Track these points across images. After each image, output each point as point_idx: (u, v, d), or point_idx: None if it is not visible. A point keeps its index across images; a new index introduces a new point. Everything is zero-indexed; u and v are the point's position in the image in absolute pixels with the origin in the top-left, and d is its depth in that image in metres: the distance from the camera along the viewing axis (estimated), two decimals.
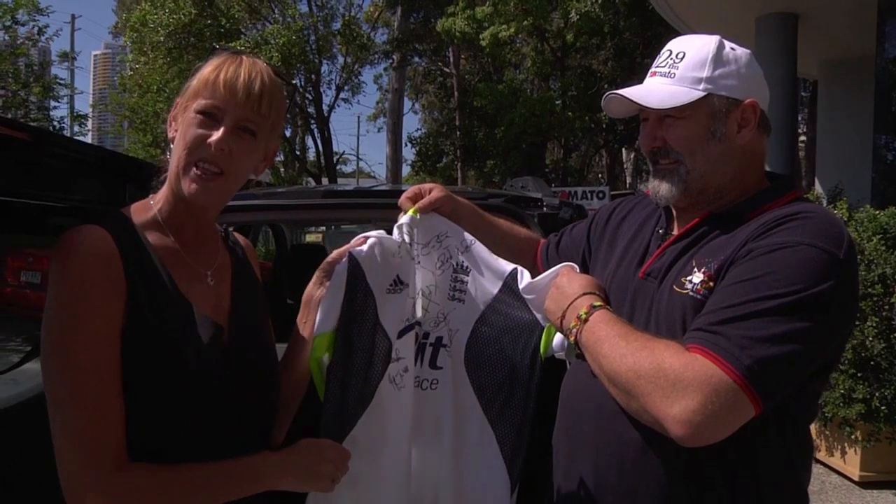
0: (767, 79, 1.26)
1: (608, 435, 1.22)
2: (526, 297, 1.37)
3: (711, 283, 1.12)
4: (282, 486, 1.13)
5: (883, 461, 4.33)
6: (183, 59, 16.03)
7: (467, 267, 1.41)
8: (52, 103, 16.47)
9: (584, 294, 1.22)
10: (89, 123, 17.62)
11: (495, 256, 1.42)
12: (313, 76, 18.57)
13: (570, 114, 15.79)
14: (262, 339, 1.26)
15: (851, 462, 4.43)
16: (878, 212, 4.28)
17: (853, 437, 4.33)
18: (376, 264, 1.31)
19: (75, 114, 17.78)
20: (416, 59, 20.75)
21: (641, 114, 1.28)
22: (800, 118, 15.16)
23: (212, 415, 1.10)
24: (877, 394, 4.10)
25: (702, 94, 1.18)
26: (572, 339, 1.20)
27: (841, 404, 4.21)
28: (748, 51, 1.25)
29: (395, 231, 1.38)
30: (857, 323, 4.10)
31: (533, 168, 17.41)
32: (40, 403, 1.69)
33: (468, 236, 1.42)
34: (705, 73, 1.19)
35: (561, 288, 1.27)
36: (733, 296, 1.05)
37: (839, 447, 4.54)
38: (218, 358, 1.13)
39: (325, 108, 19.41)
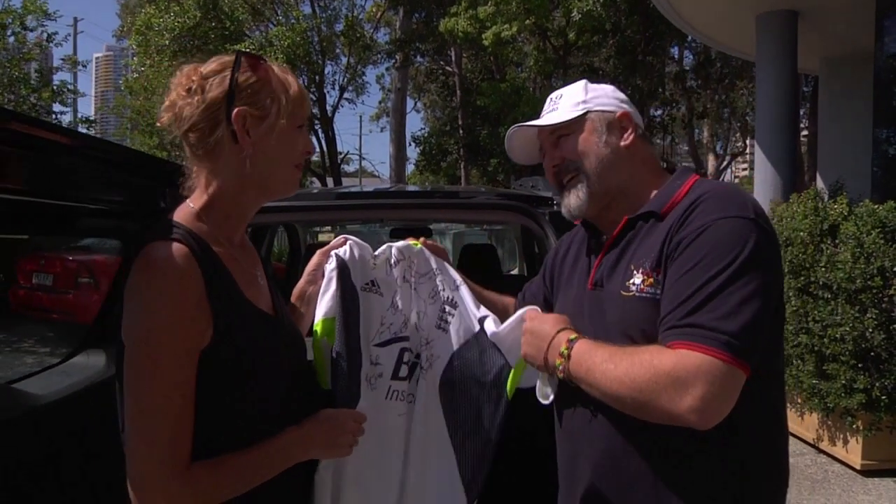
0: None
1: (603, 457, 1.34)
2: (495, 342, 1.53)
3: (650, 279, 1.28)
4: (308, 457, 1.27)
5: (884, 450, 4.42)
6: (188, 62, 16.04)
7: (455, 302, 1.59)
8: (60, 108, 16.52)
9: (559, 331, 1.33)
10: (96, 127, 17.61)
11: (475, 301, 1.60)
12: (317, 77, 18.62)
13: None
14: (294, 323, 1.40)
15: (853, 451, 4.52)
16: (876, 206, 4.36)
17: (854, 426, 4.42)
18: (356, 263, 1.52)
19: (80, 117, 17.83)
20: (419, 58, 20.80)
21: (541, 152, 1.53)
22: (802, 113, 15.22)
23: (280, 406, 1.24)
24: (877, 384, 4.18)
25: (582, 111, 1.44)
26: (560, 375, 1.30)
27: (842, 394, 4.29)
28: (612, 86, 1.53)
29: (393, 249, 1.57)
30: (857, 315, 4.19)
31: (536, 166, 17.37)
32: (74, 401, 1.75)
33: (458, 277, 1.62)
34: (581, 98, 1.46)
35: (535, 332, 1.38)
36: (686, 287, 1.20)
37: (841, 437, 4.63)
38: (288, 356, 1.27)
39: (328, 108, 19.49)
